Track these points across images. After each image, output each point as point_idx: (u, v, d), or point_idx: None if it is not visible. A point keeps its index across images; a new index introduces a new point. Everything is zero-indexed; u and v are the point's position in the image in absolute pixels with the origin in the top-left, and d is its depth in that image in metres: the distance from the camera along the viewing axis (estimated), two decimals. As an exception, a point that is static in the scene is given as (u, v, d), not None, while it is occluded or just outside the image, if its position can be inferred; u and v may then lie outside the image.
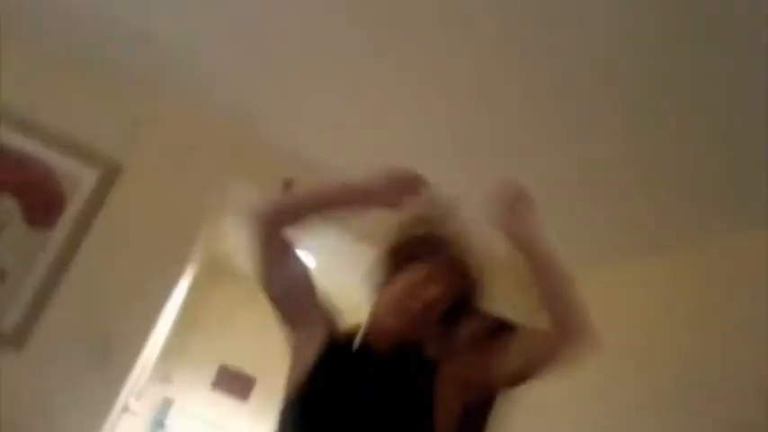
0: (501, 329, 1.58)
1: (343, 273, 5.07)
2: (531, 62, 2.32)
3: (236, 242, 5.67)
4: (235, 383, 6.83)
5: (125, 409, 3.98)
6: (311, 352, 1.58)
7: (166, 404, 6.51)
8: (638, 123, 2.42)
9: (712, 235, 2.85)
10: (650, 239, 3.12)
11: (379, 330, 1.61)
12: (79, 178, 3.54)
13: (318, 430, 1.51)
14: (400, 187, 1.60)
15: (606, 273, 3.45)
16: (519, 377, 1.54)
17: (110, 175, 3.58)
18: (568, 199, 3.07)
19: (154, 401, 6.32)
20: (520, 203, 1.52)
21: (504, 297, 1.78)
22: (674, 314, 2.98)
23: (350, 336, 1.63)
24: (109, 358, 3.40)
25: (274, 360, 6.26)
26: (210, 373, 6.82)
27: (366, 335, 1.62)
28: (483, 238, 1.58)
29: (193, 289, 5.75)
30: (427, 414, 1.53)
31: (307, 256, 5.33)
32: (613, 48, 2.12)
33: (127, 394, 3.72)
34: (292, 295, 1.65)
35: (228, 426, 6.67)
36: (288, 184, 3.74)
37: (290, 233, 1.63)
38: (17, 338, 3.31)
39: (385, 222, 1.64)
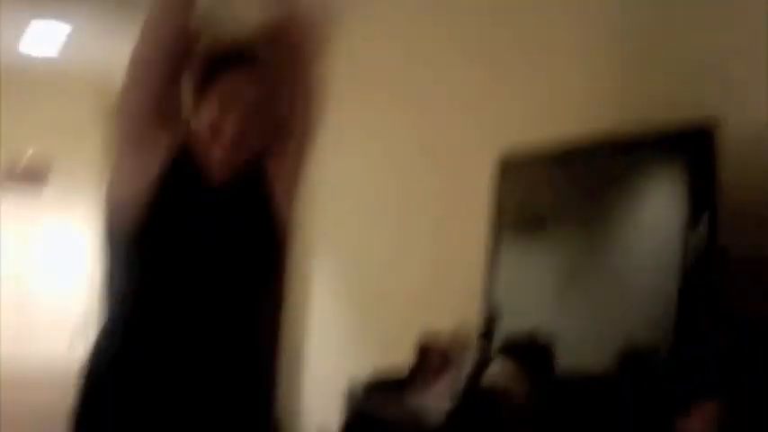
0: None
1: (104, 42, 4.72)
2: None
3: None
4: (27, 172, 6.46)
5: None
6: (153, 164, 1.40)
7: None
8: None
9: None
10: None
11: (208, 159, 1.43)
12: None
13: (158, 269, 1.40)
14: None
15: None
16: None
17: None
18: None
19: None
20: None
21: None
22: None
23: (190, 156, 1.44)
24: None
25: (65, 139, 6.16)
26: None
27: (198, 159, 1.43)
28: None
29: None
30: (267, 250, 1.47)
31: (59, 25, 4.73)
32: None
33: None
34: (174, 55, 1.40)
35: (33, 216, 6.46)
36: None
37: None
38: None
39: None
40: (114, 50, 5.02)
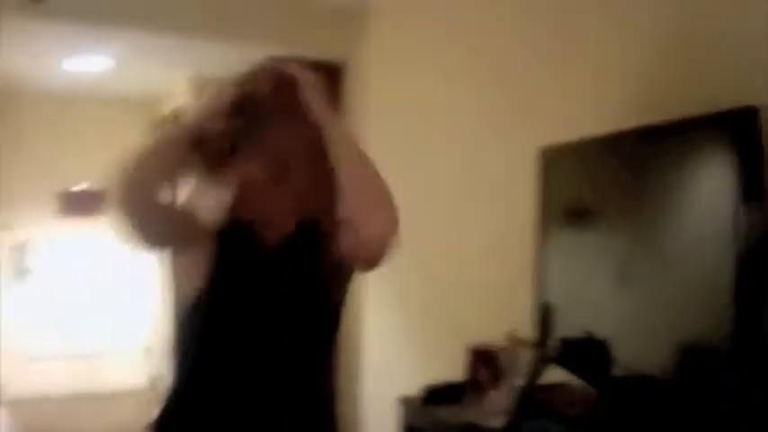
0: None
1: (148, 67, 4.91)
2: None
3: (31, 60, 5.01)
4: (81, 203, 6.55)
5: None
6: (204, 264, 1.45)
7: (20, 249, 6.31)
8: None
9: None
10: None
11: (267, 224, 1.48)
12: None
13: (227, 335, 1.45)
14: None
15: None
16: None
17: None
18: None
19: (5, 251, 6.18)
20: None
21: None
22: None
23: (237, 225, 1.49)
24: None
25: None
26: (51, 201, 6.49)
27: (256, 224, 1.48)
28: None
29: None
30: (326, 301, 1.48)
31: (104, 58, 4.84)
32: None
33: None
34: (175, 233, 1.50)
35: (92, 241, 6.51)
36: None
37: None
38: None
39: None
40: (159, 78, 5.21)
